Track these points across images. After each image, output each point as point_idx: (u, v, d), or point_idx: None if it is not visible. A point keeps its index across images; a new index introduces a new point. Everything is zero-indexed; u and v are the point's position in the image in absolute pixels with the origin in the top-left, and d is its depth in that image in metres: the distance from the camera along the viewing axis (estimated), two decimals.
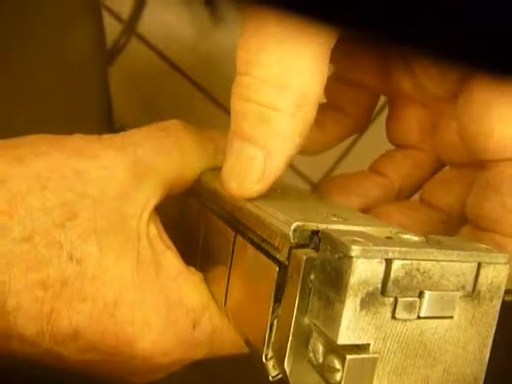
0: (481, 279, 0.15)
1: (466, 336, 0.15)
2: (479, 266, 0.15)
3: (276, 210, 0.17)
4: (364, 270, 0.13)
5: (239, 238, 0.19)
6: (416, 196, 0.25)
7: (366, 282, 0.13)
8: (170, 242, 0.22)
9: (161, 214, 0.23)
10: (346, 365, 0.13)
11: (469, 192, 0.20)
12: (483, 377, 0.16)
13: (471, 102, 0.18)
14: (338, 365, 0.13)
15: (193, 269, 0.22)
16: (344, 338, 0.13)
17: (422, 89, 0.21)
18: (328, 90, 0.26)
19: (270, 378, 0.16)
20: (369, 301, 0.13)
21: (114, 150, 0.20)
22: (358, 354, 0.13)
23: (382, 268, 0.13)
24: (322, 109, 0.26)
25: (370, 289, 0.13)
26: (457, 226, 0.20)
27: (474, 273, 0.15)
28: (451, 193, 0.22)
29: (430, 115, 0.23)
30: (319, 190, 0.25)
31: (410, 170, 0.24)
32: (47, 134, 0.20)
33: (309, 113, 0.17)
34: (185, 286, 0.21)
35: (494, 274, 0.15)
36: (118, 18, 0.54)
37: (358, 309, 0.13)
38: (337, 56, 0.24)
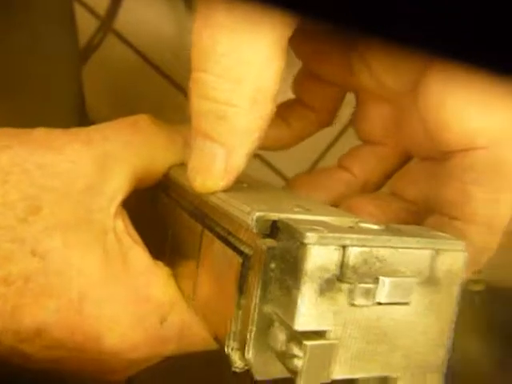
0: (438, 266, 0.16)
1: (425, 322, 0.16)
2: (436, 252, 0.15)
3: (240, 202, 0.17)
4: (320, 256, 0.14)
5: (206, 233, 0.19)
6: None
7: (322, 269, 0.14)
8: (137, 237, 0.22)
9: (129, 208, 0.23)
10: (305, 351, 0.14)
11: (434, 183, 0.21)
12: (446, 363, 0.16)
13: (427, 97, 0.19)
14: (298, 352, 0.14)
15: (161, 263, 0.22)
16: (302, 324, 0.14)
17: (381, 84, 0.21)
18: (294, 85, 0.27)
19: (235, 370, 0.17)
20: (326, 287, 0.14)
21: (80, 144, 0.21)
22: (318, 340, 0.14)
23: (338, 255, 0.14)
24: (288, 105, 0.26)
25: (327, 275, 0.14)
26: (424, 216, 0.21)
27: (431, 259, 0.15)
28: (417, 184, 0.22)
29: (393, 110, 0.23)
30: (288, 186, 0.26)
31: (375, 165, 0.24)
32: (9, 128, 0.21)
33: (266, 107, 0.18)
34: (152, 282, 0.21)
35: (451, 261, 0.16)
36: (94, 13, 0.54)
37: (315, 295, 0.14)
38: (302, 52, 0.25)
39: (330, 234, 0.14)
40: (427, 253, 0.15)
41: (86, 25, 0.53)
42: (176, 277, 0.22)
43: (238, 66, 0.17)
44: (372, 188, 0.25)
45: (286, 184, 0.26)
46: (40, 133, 0.21)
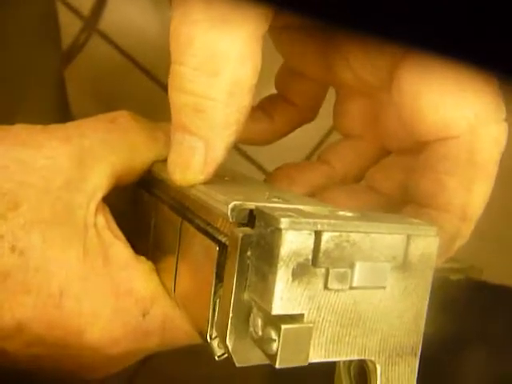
0: (411, 251, 0.16)
1: (400, 306, 0.16)
2: (409, 238, 0.16)
3: (219, 193, 0.18)
4: (294, 241, 0.14)
5: (185, 224, 0.20)
6: None
7: (296, 253, 0.14)
8: (119, 232, 0.22)
9: (111, 205, 0.24)
10: (281, 335, 0.14)
11: (409, 175, 0.21)
12: (420, 347, 0.17)
13: (402, 89, 0.20)
14: (274, 335, 0.14)
15: (143, 258, 0.22)
16: (278, 308, 0.14)
17: (359, 78, 0.22)
18: (276, 81, 0.27)
19: (216, 358, 0.17)
20: (300, 272, 0.14)
21: (59, 140, 0.21)
22: (293, 323, 0.14)
23: (311, 240, 0.14)
24: (271, 100, 0.27)
25: (301, 260, 0.14)
26: (400, 207, 0.22)
27: (405, 244, 0.16)
28: (393, 178, 0.23)
29: (371, 105, 0.24)
30: (269, 178, 0.26)
31: (354, 159, 0.25)
32: None
33: (243, 100, 0.18)
34: (134, 276, 0.21)
35: (424, 246, 0.16)
36: (78, 14, 0.54)
37: (290, 279, 0.14)
38: (283, 48, 0.26)
39: (304, 220, 0.14)
40: (400, 238, 0.16)
41: (71, 25, 0.53)
42: (158, 271, 0.22)
43: (214, 59, 0.17)
44: (351, 181, 0.25)
45: (267, 176, 0.26)
46: (18, 129, 0.22)
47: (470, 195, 0.19)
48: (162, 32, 0.56)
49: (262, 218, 0.15)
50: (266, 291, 0.14)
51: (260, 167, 0.51)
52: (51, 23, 0.47)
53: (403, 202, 0.21)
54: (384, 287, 0.16)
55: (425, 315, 0.17)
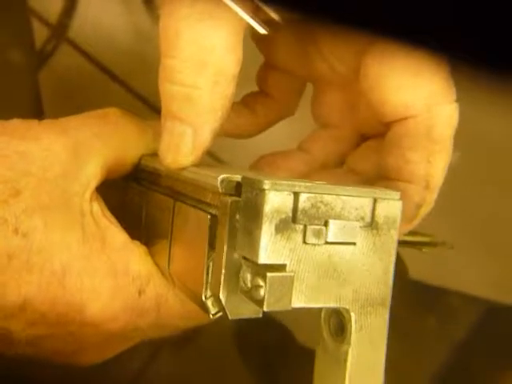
0: (377, 212, 0.20)
1: (369, 261, 0.20)
2: (375, 201, 0.20)
3: (208, 172, 0.22)
4: (275, 200, 0.18)
5: (178, 204, 0.24)
6: None
7: (278, 211, 0.18)
8: (114, 219, 0.26)
9: (104, 200, 0.27)
10: (267, 281, 0.18)
11: (381, 155, 0.26)
12: (389, 298, 0.21)
13: (367, 76, 0.24)
14: (261, 282, 0.18)
15: (137, 242, 0.26)
16: (264, 258, 0.18)
17: (333, 70, 0.26)
18: (257, 78, 0.31)
19: (211, 316, 0.21)
20: (282, 227, 0.18)
21: (55, 134, 0.25)
22: (277, 272, 0.18)
23: (290, 199, 0.18)
24: (253, 96, 0.31)
25: (283, 216, 0.18)
26: (374, 184, 0.26)
27: (371, 206, 0.20)
28: (368, 159, 0.27)
29: (346, 95, 0.28)
30: (252, 167, 0.30)
31: (332, 147, 0.29)
32: None
33: (227, 88, 0.22)
34: (130, 256, 0.25)
35: (388, 209, 0.21)
36: (45, 22, 0.58)
37: (274, 233, 0.18)
38: (262, 44, 0.30)
39: (284, 182, 0.18)
40: (367, 201, 0.20)
41: (39, 34, 0.57)
42: (152, 255, 0.26)
43: (200, 51, 0.22)
44: (331, 167, 0.30)
45: (251, 165, 0.30)
46: (16, 123, 0.25)
47: (430, 167, 0.23)
48: (134, 39, 0.60)
49: (248, 183, 0.19)
50: (253, 244, 0.18)
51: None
52: (24, 26, 0.50)
53: (376, 179, 0.26)
54: (354, 243, 0.20)
55: (392, 271, 0.21)
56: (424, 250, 0.26)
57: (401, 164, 0.24)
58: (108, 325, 0.25)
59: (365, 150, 0.28)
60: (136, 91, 0.55)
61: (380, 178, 0.26)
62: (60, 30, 0.57)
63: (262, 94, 0.31)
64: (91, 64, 0.57)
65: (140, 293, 0.25)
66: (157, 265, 0.26)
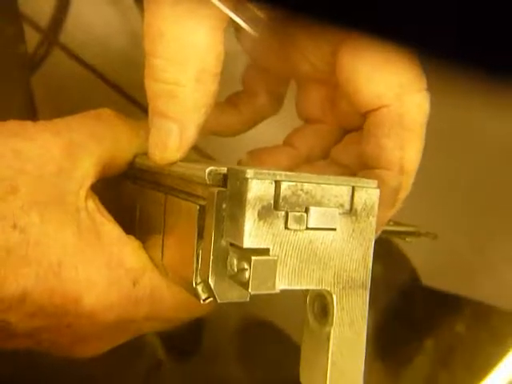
0: (356, 200, 0.22)
1: (349, 246, 0.22)
2: (354, 189, 0.22)
3: (196, 165, 0.23)
4: (258, 188, 0.20)
5: (169, 198, 0.25)
6: None
7: (260, 198, 0.20)
8: (108, 215, 0.27)
9: (99, 198, 0.29)
10: (252, 264, 0.20)
11: (360, 146, 0.27)
12: (369, 281, 0.23)
13: (342, 69, 0.26)
14: (246, 266, 0.20)
15: (132, 237, 0.28)
16: (248, 242, 0.20)
17: (312, 66, 0.28)
18: (242, 78, 0.33)
19: (201, 302, 0.23)
20: (265, 213, 0.20)
21: (50, 133, 0.26)
22: (261, 255, 0.20)
23: (272, 188, 0.20)
24: (238, 95, 0.33)
25: (265, 203, 0.20)
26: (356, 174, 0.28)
27: (350, 194, 0.22)
28: (352, 151, 0.29)
29: (326, 91, 0.30)
30: (239, 163, 0.32)
31: (316, 141, 0.31)
32: None
33: (210, 85, 0.24)
34: (125, 250, 0.26)
35: (367, 196, 0.22)
36: (36, 26, 0.59)
37: (257, 219, 0.20)
38: (246, 44, 0.32)
39: (265, 171, 0.20)
40: (346, 189, 0.22)
41: (30, 38, 0.58)
42: (146, 249, 0.28)
43: (183, 50, 0.23)
44: (315, 161, 0.31)
45: (238, 161, 0.32)
46: (12, 124, 0.27)
47: (404, 152, 0.25)
48: (127, 42, 0.61)
49: (233, 174, 0.21)
50: (238, 230, 0.20)
51: None
52: (17, 30, 0.52)
53: (359, 170, 0.27)
54: (334, 229, 0.21)
55: (371, 255, 0.23)
56: (408, 239, 0.28)
57: (377, 152, 0.26)
58: (104, 315, 0.26)
59: (347, 142, 0.30)
60: (128, 94, 0.57)
61: (361, 167, 0.27)
62: (51, 34, 0.58)
63: (247, 93, 0.32)
64: (83, 67, 0.58)
65: (134, 284, 0.26)
66: (151, 258, 0.27)
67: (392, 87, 0.25)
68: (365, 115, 0.26)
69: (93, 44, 0.61)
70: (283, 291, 0.21)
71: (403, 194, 0.26)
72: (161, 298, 0.27)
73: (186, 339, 0.45)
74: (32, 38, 0.57)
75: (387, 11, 0.19)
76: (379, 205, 0.23)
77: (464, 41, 0.19)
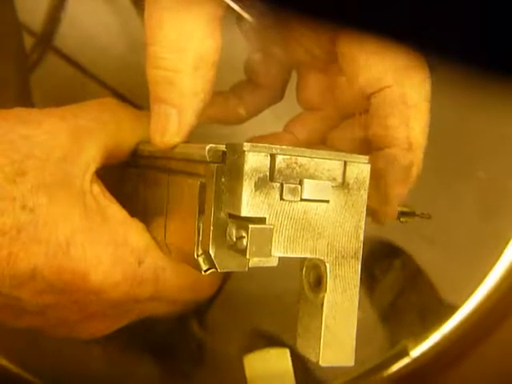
0: (348, 174, 0.24)
1: (341, 218, 0.24)
2: (346, 164, 0.24)
3: (196, 145, 0.25)
4: (254, 161, 0.22)
5: (171, 178, 0.27)
6: None
7: (256, 170, 0.22)
8: (113, 199, 0.29)
9: (103, 184, 0.30)
10: (249, 232, 0.21)
11: (363, 129, 0.29)
12: (361, 251, 0.24)
13: (343, 55, 0.27)
14: (244, 234, 0.22)
15: (136, 219, 0.29)
16: (245, 211, 0.22)
17: (311, 55, 0.30)
18: (245, 67, 0.35)
19: (202, 273, 0.25)
20: (261, 184, 0.22)
21: (55, 118, 0.28)
22: (258, 224, 0.22)
23: (267, 160, 0.22)
24: (241, 84, 0.35)
25: (261, 175, 0.22)
26: None
27: (342, 168, 0.23)
28: (348, 137, 0.31)
29: (326, 77, 0.32)
30: None
31: (315, 127, 0.33)
32: None
33: (207, 72, 0.26)
34: (129, 230, 0.28)
35: (358, 171, 0.24)
36: (30, 31, 0.61)
37: (254, 189, 0.22)
38: (248, 34, 0.34)
39: (261, 145, 0.22)
40: (338, 163, 0.23)
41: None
42: (150, 232, 0.29)
43: (181, 38, 0.25)
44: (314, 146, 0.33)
45: None
46: (18, 110, 0.28)
47: (410, 129, 0.27)
48: (123, 44, 0.63)
49: (231, 148, 0.22)
50: (236, 199, 0.22)
51: None
52: (13, 34, 0.54)
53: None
54: (327, 201, 0.23)
55: (363, 227, 0.24)
56: (402, 219, 0.29)
57: (383, 131, 0.27)
58: (110, 292, 0.28)
59: (344, 127, 0.32)
60: (125, 97, 0.58)
61: (368, 150, 0.29)
62: (45, 38, 0.60)
63: (250, 82, 0.34)
64: (79, 71, 0.60)
65: (139, 263, 0.28)
66: (154, 239, 0.29)
67: (388, 71, 0.26)
68: (369, 98, 0.28)
69: (89, 47, 0.62)
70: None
71: (415, 171, 0.27)
72: (165, 278, 0.29)
73: (186, 359, 0.46)
74: (25, 42, 0.59)
75: (388, 11, 0.21)
76: (394, 183, 0.24)
77: (466, 41, 0.21)
